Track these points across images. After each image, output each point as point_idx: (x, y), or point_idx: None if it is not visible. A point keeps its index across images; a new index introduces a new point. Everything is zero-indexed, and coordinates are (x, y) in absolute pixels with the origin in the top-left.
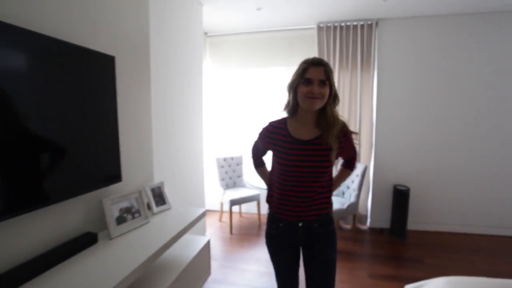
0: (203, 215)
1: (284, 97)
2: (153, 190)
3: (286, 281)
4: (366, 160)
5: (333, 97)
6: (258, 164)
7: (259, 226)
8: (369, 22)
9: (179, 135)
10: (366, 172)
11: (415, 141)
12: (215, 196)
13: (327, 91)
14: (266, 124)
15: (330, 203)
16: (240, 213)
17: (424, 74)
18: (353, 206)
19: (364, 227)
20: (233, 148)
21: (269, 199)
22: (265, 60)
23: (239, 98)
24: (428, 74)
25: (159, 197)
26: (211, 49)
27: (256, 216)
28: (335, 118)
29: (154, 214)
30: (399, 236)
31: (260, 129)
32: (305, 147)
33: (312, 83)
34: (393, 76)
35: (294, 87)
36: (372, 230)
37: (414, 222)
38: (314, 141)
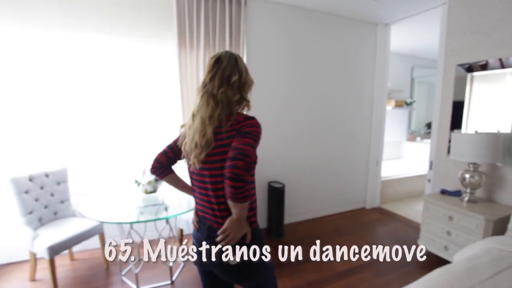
0: None
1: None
2: None
3: None
4: None
5: None
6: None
7: (107, 270)
8: None
9: None
10: None
11: (281, 135)
12: (17, 241)
13: None
14: (257, 119)
15: None
16: (70, 254)
17: (289, 68)
18: None
19: None
20: (48, 157)
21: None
22: (96, 24)
23: (57, 78)
24: (292, 69)
25: None
26: None
27: (99, 253)
28: None
29: None
30: (278, 235)
31: (258, 125)
32: None
33: None
34: (263, 65)
35: None
36: None
37: (287, 216)
38: None
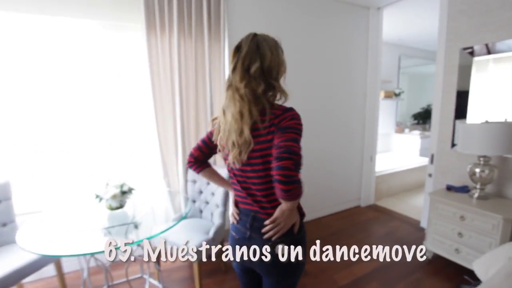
0: None
1: None
2: None
3: None
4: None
5: None
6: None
7: None
8: None
9: None
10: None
11: None
12: None
13: None
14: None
15: None
16: (19, 286)
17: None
18: (220, 231)
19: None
20: None
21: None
22: (42, 2)
23: None
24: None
25: None
26: None
27: (55, 282)
28: None
29: None
30: None
31: (298, 117)
32: None
33: None
34: None
35: None
36: None
37: None
38: None
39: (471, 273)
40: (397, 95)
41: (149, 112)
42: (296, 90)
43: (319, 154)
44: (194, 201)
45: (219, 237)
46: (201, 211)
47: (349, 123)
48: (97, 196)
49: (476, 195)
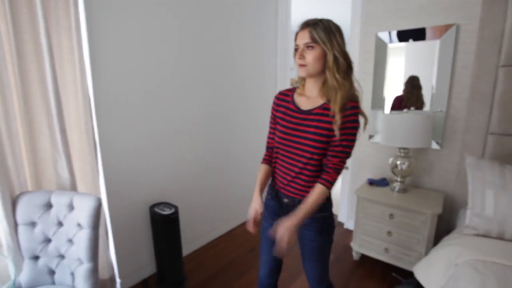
0: None
1: None
2: None
3: (263, 254)
4: (89, 178)
5: (334, 61)
6: (265, 159)
7: None
8: None
9: None
10: (93, 204)
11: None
12: None
13: (312, 55)
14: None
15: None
16: None
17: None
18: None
19: None
20: None
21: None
22: None
23: None
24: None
25: None
26: None
27: None
28: (340, 85)
29: None
30: (175, 285)
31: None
32: (302, 116)
33: (298, 49)
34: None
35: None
36: None
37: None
38: (312, 111)
39: (398, 270)
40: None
41: None
42: (193, 80)
43: (227, 155)
44: (35, 258)
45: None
46: (52, 273)
47: (258, 118)
48: None
49: (397, 188)
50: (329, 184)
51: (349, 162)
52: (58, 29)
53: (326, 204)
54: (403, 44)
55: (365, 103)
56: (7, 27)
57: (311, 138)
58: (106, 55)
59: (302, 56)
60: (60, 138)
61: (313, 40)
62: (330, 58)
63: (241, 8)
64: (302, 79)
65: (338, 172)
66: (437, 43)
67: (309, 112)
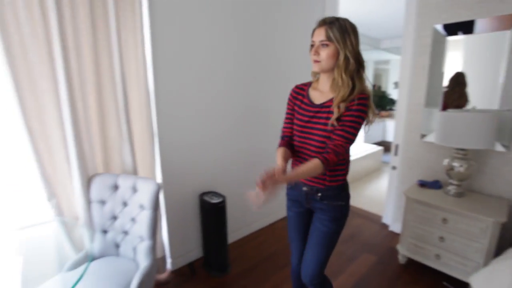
0: None
1: None
2: None
3: (292, 241)
4: (148, 165)
5: (344, 60)
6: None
7: None
8: None
9: None
10: (154, 188)
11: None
12: None
13: (326, 53)
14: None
15: (336, 177)
16: None
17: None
18: (149, 280)
19: (163, 276)
20: None
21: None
22: None
23: None
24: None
25: None
26: None
27: None
28: (344, 84)
29: None
30: (220, 271)
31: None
32: (314, 109)
33: (314, 45)
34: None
35: None
36: (177, 273)
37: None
38: (324, 105)
39: (449, 279)
40: None
41: (7, 95)
42: (246, 77)
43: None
44: (104, 232)
45: None
46: (117, 246)
47: None
48: None
49: (452, 192)
50: (325, 160)
51: (397, 161)
52: (125, 29)
53: (343, 193)
54: (463, 37)
55: (418, 101)
56: (85, 26)
57: (322, 129)
58: (166, 55)
59: (317, 53)
60: (126, 128)
61: (328, 38)
62: (341, 57)
63: (288, 4)
64: (317, 74)
65: (337, 154)
66: (507, 34)
67: (321, 105)
